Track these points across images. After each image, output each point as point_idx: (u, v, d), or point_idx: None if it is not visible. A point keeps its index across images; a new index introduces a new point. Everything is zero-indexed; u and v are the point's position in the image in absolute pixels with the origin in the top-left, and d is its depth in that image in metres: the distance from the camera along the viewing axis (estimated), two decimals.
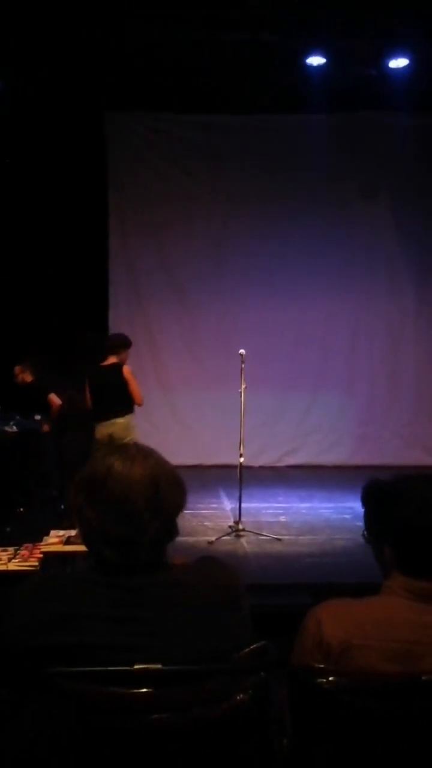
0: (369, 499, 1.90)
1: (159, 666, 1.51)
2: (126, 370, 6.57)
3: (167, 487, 1.67)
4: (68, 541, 4.13)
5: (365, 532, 1.90)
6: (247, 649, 1.60)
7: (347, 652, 1.69)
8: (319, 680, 1.60)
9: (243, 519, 6.25)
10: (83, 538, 1.71)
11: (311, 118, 9.22)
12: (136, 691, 1.48)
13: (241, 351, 6.31)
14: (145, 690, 1.48)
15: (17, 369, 7.47)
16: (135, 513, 1.63)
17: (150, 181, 9.49)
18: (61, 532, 4.32)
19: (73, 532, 4.19)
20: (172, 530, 1.71)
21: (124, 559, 1.64)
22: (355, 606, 1.79)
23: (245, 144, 9.38)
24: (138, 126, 9.41)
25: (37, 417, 7.61)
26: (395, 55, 7.91)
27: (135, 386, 6.50)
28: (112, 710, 1.47)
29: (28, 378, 7.45)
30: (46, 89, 8.21)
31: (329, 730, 1.60)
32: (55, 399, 7.01)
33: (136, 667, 1.50)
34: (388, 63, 7.99)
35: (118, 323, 9.65)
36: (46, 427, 7.28)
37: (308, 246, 9.49)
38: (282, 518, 6.72)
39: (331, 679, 1.60)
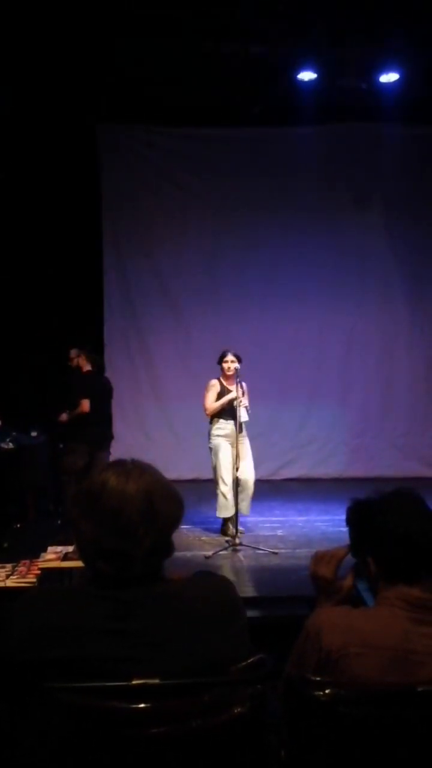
0: (351, 518, 1.99)
1: (157, 680, 1.52)
2: (208, 384, 6.60)
3: (162, 502, 1.69)
4: (66, 557, 4.14)
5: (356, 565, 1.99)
6: (244, 662, 1.61)
7: (345, 660, 1.72)
8: (316, 692, 1.61)
9: (240, 533, 6.26)
10: (79, 551, 1.73)
11: (303, 130, 9.30)
12: (134, 706, 1.49)
13: (236, 365, 6.36)
14: (143, 705, 1.49)
15: (73, 352, 7.22)
16: (129, 526, 1.64)
17: (142, 193, 9.55)
18: (59, 548, 4.33)
19: (70, 548, 4.20)
20: (167, 545, 1.72)
21: (118, 572, 1.65)
22: (353, 615, 1.84)
23: (238, 156, 9.45)
24: (130, 139, 9.47)
25: (34, 433, 7.61)
26: (385, 67, 8.01)
27: (205, 397, 6.53)
28: (111, 724, 1.49)
29: (85, 366, 7.20)
30: (39, 103, 8.26)
31: (326, 741, 1.61)
32: (86, 405, 6.93)
33: (134, 682, 1.51)
34: (378, 76, 8.09)
35: (113, 337, 9.70)
36: (64, 417, 7.10)
37: (301, 257, 9.56)
38: (279, 532, 6.72)
39: (327, 691, 1.62)
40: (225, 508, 6.46)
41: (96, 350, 9.48)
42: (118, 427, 9.50)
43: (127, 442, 8.91)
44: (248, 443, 6.53)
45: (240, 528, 6.39)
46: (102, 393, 7.21)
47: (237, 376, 6.40)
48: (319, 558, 2.07)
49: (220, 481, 6.44)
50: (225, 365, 6.49)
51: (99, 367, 7.43)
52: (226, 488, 6.40)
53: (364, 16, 7.09)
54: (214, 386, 6.51)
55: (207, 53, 7.64)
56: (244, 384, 6.50)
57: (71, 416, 6.99)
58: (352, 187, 9.58)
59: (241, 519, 6.35)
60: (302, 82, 8.11)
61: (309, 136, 9.35)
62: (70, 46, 7.22)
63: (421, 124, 9.23)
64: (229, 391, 6.40)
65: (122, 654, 1.57)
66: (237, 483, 6.32)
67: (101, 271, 9.65)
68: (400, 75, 8.01)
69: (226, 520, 6.56)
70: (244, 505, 6.46)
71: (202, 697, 1.52)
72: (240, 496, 6.40)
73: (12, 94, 7.91)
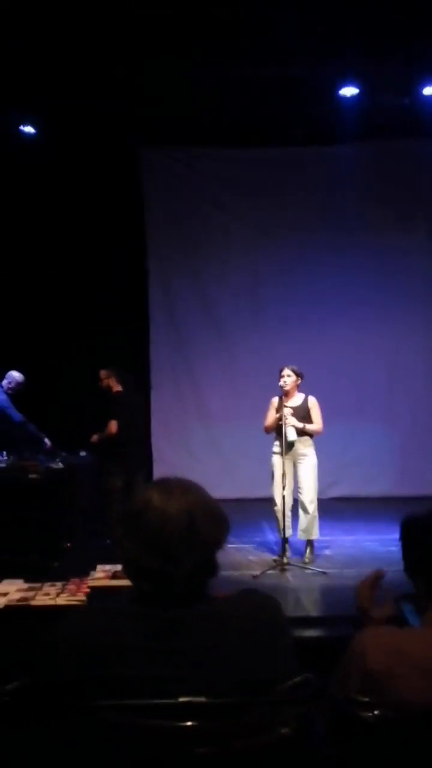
0: (405, 533, 1.95)
1: (203, 699, 1.52)
2: None
3: (204, 522, 1.68)
4: (115, 575, 4.16)
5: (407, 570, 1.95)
6: (290, 681, 1.60)
7: (390, 681, 1.70)
8: (363, 713, 1.60)
9: (288, 553, 6.22)
10: (124, 570, 1.75)
11: (345, 149, 9.29)
12: (180, 724, 1.49)
13: (288, 380, 6.31)
14: (189, 723, 1.49)
15: (103, 373, 7.27)
16: (169, 546, 1.64)
17: (185, 216, 9.64)
18: (108, 567, 4.35)
19: (119, 567, 4.23)
20: (210, 565, 1.71)
21: (159, 591, 1.65)
22: (399, 635, 1.81)
23: (279, 176, 9.48)
24: (172, 161, 9.59)
25: (83, 453, 7.70)
26: (427, 81, 7.97)
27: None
28: (156, 742, 1.49)
29: (115, 386, 7.25)
30: (79, 129, 8.43)
31: (372, 763, 1.60)
32: (113, 426, 7.03)
33: (180, 700, 1.51)
34: (421, 90, 8.05)
35: (158, 359, 9.79)
36: (95, 438, 7.19)
37: (345, 277, 9.52)
38: (327, 551, 6.67)
39: (374, 712, 1.60)
40: (279, 528, 6.38)
41: (142, 371, 9.60)
42: (162, 447, 9.61)
43: (173, 463, 8.97)
44: (308, 462, 6.32)
45: (287, 554, 6.27)
46: (134, 413, 7.24)
47: (284, 392, 6.32)
48: (358, 591, 2.06)
49: (273, 501, 6.37)
50: (280, 380, 6.40)
51: (131, 386, 7.41)
52: (276, 508, 6.31)
53: (404, 30, 7.07)
54: (272, 403, 6.42)
55: (246, 73, 7.69)
56: (311, 399, 6.39)
57: (101, 438, 7.07)
58: (395, 204, 9.51)
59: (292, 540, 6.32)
60: (343, 99, 8.09)
61: (350, 154, 9.34)
62: (108, 70, 7.33)
63: None
64: (287, 407, 6.29)
65: (166, 673, 1.57)
66: (284, 503, 6.27)
67: (147, 293, 9.77)
68: None
69: (284, 540, 6.41)
70: (301, 528, 6.33)
71: (247, 717, 1.52)
72: (300, 518, 6.31)
73: (52, 122, 8.09)
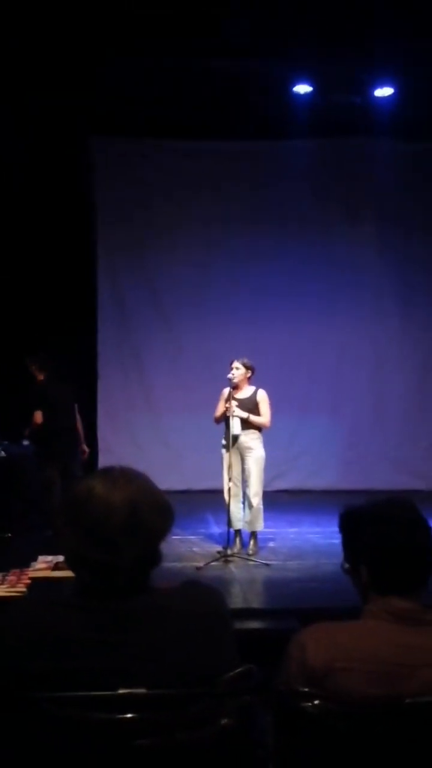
0: (345, 524, 1.95)
1: (143, 690, 1.50)
2: None
3: (149, 512, 1.65)
4: (56, 566, 4.13)
5: (344, 564, 1.95)
6: (231, 673, 1.59)
7: (330, 676, 1.70)
8: (304, 704, 1.60)
9: (236, 545, 6.24)
10: (66, 560, 1.71)
11: (296, 144, 9.36)
12: (120, 716, 1.47)
13: (235, 372, 6.31)
14: (129, 715, 1.47)
15: (27, 360, 7.08)
16: (112, 536, 1.61)
17: (135, 207, 9.57)
18: (50, 558, 4.32)
19: (61, 558, 4.18)
20: (154, 556, 1.68)
21: (102, 583, 1.63)
22: (338, 629, 1.81)
23: (231, 170, 9.49)
24: (123, 151, 9.51)
25: (25, 442, 7.58)
26: (379, 83, 8.10)
27: None
28: (97, 735, 1.47)
29: (38, 375, 7.02)
30: (30, 116, 8.27)
31: (314, 754, 1.60)
32: (38, 416, 6.86)
33: (120, 691, 1.49)
34: (372, 91, 8.17)
35: (106, 350, 9.70)
36: (26, 432, 7.06)
37: (294, 270, 9.59)
38: (270, 543, 6.70)
39: (315, 702, 1.61)
40: (227, 520, 6.35)
41: (89, 361, 9.49)
42: (109, 437, 9.53)
43: (119, 453, 8.91)
44: (254, 455, 6.31)
45: (236, 546, 6.29)
46: (58, 402, 6.95)
47: (233, 385, 6.30)
48: None
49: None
50: (229, 373, 6.36)
51: (55, 375, 7.12)
52: (227, 498, 6.24)
53: (358, 31, 7.13)
54: (223, 394, 6.38)
55: (199, 66, 7.65)
56: (260, 392, 6.39)
57: (31, 430, 6.92)
58: (345, 201, 9.64)
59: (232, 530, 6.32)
60: (296, 96, 8.17)
61: (302, 149, 9.41)
62: (61, 59, 7.22)
63: (413, 139, 9.29)
64: (235, 400, 6.29)
65: (110, 666, 1.55)
66: (231, 495, 6.26)
67: (95, 282, 9.66)
68: (395, 90, 8.10)
69: (235, 533, 6.39)
70: (246, 520, 6.34)
71: (188, 709, 1.51)
72: (245, 510, 6.34)
73: (3, 106, 7.92)
